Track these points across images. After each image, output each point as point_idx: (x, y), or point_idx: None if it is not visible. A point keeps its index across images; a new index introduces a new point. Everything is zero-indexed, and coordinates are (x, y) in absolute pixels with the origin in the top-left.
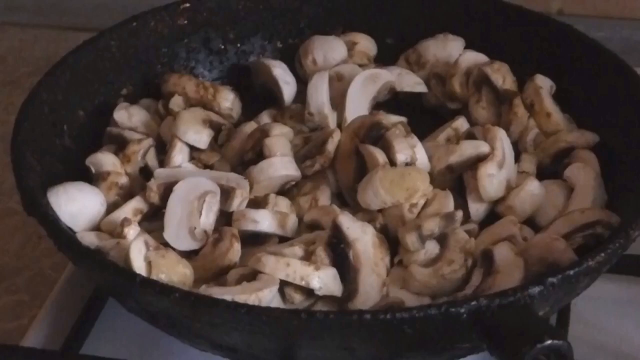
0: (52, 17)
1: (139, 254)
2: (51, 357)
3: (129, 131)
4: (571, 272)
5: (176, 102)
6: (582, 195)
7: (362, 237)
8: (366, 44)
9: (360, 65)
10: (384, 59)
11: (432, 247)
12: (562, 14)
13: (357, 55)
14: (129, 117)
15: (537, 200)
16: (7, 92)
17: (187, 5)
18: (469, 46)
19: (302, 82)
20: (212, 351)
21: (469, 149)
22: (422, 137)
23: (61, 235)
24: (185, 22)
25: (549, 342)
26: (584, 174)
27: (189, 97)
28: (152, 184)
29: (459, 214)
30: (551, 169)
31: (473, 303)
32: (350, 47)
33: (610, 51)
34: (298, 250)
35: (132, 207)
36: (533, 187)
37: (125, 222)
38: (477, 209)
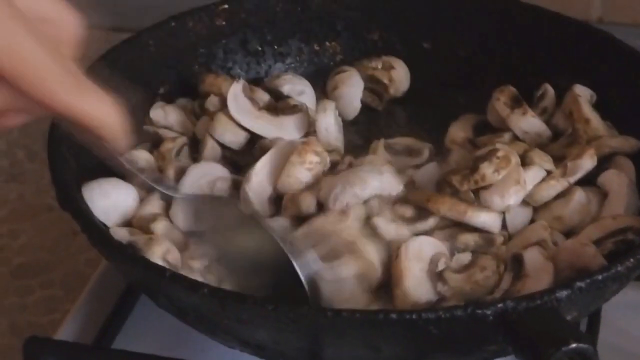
0: (95, 17)
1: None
2: (83, 350)
3: (164, 129)
4: (599, 277)
5: (212, 102)
6: (615, 202)
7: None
8: (401, 74)
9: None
10: (419, 64)
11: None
12: (602, 22)
13: (392, 86)
14: (165, 115)
15: (585, 210)
16: None
17: (226, 6)
18: (506, 54)
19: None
20: (240, 348)
21: None
22: None
23: (93, 230)
24: (224, 23)
25: (574, 345)
26: (617, 180)
27: (225, 97)
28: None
29: (500, 239)
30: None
31: (500, 305)
32: (387, 69)
33: None
34: None
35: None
36: (581, 197)
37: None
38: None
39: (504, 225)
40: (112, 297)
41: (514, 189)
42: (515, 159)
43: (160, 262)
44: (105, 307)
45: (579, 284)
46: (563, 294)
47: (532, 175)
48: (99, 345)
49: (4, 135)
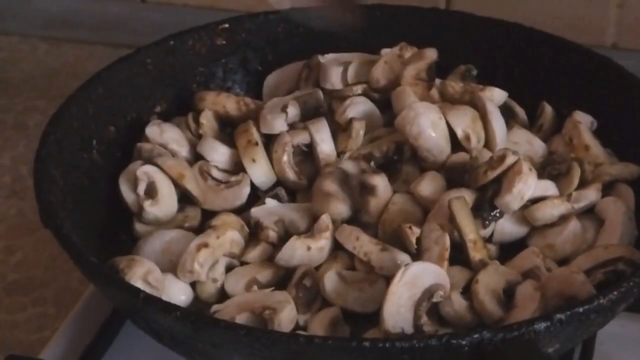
0: (108, 35)
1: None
2: None
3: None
4: (580, 310)
5: (206, 116)
6: (610, 230)
7: None
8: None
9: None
10: None
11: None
12: (617, 48)
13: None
14: (161, 133)
15: (578, 240)
16: (57, 105)
17: (226, 25)
18: (508, 77)
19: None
20: None
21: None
22: None
23: (73, 249)
24: (224, 42)
25: None
26: (614, 208)
27: (230, 114)
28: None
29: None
30: None
31: (475, 336)
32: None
33: None
34: None
35: None
36: (575, 227)
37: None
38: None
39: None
40: (100, 318)
41: (518, 179)
42: (513, 158)
43: (140, 283)
44: (93, 327)
45: (559, 316)
46: (542, 326)
47: (544, 185)
48: None
49: (8, 151)
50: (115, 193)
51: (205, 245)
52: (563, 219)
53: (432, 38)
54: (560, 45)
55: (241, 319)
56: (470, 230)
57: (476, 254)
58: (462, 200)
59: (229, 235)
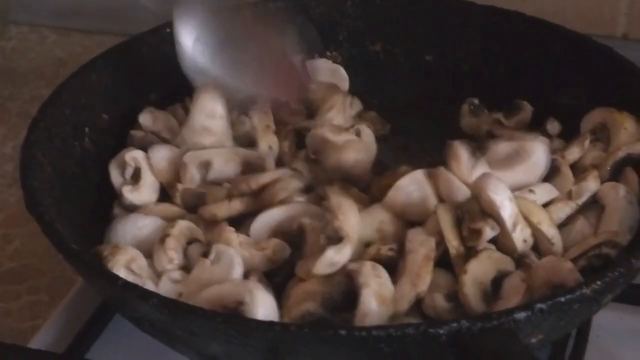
0: (117, 25)
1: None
2: (52, 359)
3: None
4: (562, 299)
5: None
6: (609, 217)
7: None
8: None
9: None
10: (421, 76)
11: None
12: (627, 39)
13: None
14: (154, 120)
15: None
16: None
17: None
18: (510, 69)
19: None
20: None
21: None
22: None
23: (54, 236)
24: None
25: None
26: (613, 193)
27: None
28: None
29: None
30: None
31: (454, 325)
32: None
33: None
34: None
35: None
36: (583, 226)
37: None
38: None
39: None
40: (90, 308)
41: None
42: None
43: (123, 271)
44: (83, 317)
45: (540, 305)
46: (522, 315)
47: (545, 189)
48: (71, 355)
49: (11, 139)
50: (106, 182)
51: (167, 235)
52: (569, 218)
53: (431, 27)
54: (562, 35)
55: None
56: (453, 237)
57: (459, 260)
58: (447, 206)
59: (181, 224)
